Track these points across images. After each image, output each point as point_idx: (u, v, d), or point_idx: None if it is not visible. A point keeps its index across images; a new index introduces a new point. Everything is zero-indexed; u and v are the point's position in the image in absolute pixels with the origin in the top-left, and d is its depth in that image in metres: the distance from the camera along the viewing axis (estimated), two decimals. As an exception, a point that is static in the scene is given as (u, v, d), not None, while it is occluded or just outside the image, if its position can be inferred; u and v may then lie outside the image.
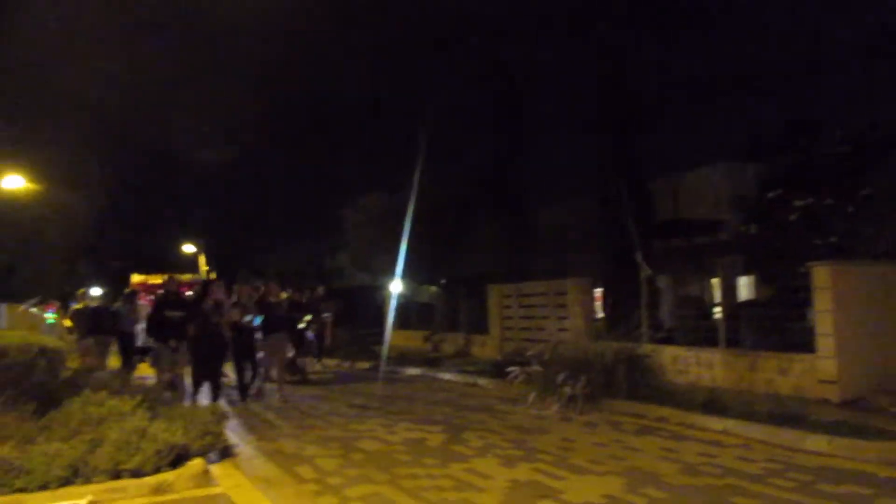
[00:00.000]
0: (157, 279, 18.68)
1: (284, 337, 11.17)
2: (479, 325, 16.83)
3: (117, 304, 12.98)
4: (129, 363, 12.48)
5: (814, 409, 7.60)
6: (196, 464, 5.74)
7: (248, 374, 10.72)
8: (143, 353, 12.67)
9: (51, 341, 11.66)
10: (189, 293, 12.38)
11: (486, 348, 16.03)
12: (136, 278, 19.13)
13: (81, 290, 13.07)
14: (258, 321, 10.60)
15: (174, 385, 9.82)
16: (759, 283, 15.18)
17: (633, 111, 15.48)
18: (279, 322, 10.93)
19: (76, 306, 13.03)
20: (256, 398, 10.57)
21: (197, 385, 9.81)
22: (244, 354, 10.55)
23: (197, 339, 9.63)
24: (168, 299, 10.03)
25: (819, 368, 8.81)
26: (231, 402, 10.13)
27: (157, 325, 9.79)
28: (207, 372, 9.78)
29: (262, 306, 10.79)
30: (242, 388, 10.46)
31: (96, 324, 11.94)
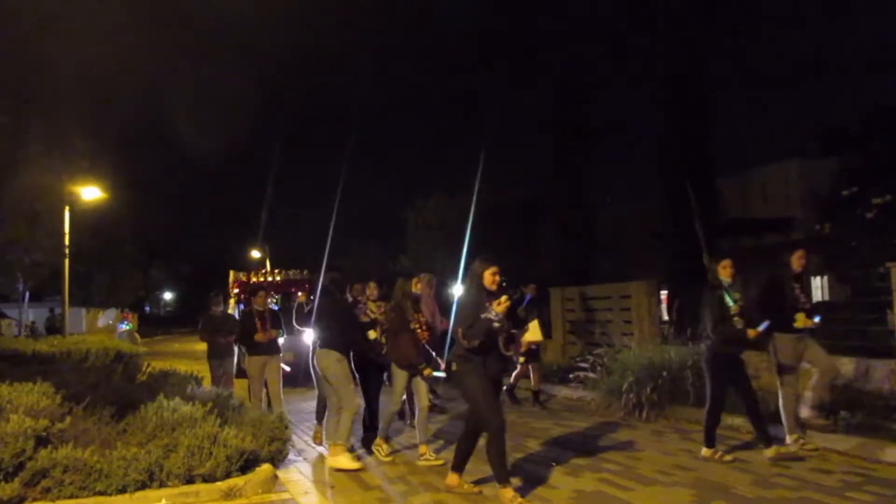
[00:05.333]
0: (258, 277, 16.83)
1: None
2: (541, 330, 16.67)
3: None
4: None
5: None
6: (265, 469, 5.89)
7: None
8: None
9: (127, 346, 12.16)
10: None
11: (548, 353, 15.88)
12: (234, 276, 17.01)
13: (214, 293, 10.42)
14: None
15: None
16: (834, 285, 14.61)
17: (701, 106, 15.10)
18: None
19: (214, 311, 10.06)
20: None
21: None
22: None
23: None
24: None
25: (900, 374, 8.38)
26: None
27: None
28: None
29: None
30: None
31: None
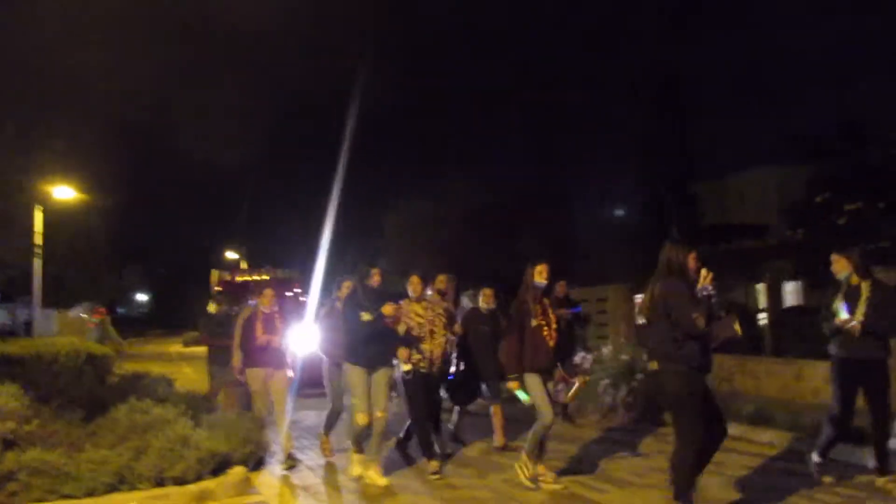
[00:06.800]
0: (243, 276, 15.60)
1: None
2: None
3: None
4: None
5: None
6: (237, 472, 5.82)
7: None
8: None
9: (98, 348, 11.96)
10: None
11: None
12: (217, 275, 15.73)
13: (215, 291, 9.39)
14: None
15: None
16: (807, 289, 14.82)
17: (680, 112, 15.30)
18: None
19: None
20: None
21: None
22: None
23: None
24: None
25: (870, 378, 8.50)
26: None
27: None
28: None
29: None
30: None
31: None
